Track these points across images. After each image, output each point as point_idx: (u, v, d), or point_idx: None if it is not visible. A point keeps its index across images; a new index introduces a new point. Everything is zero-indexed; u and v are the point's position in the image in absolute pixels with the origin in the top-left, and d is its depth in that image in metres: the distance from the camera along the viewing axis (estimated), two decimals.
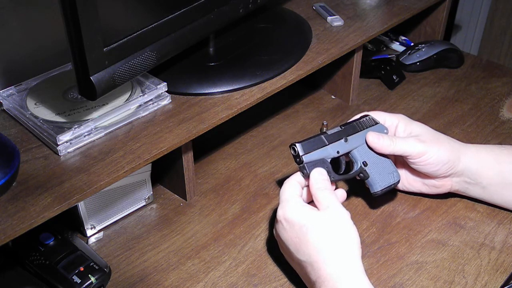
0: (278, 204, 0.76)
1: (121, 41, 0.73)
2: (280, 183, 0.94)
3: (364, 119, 0.85)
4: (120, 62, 0.74)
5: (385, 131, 0.85)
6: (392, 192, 0.90)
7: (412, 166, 0.84)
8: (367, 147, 0.83)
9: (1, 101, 0.82)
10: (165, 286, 0.79)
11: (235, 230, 0.87)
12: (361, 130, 0.84)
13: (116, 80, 0.75)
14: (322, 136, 0.81)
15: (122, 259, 0.82)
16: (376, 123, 0.85)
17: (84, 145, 0.77)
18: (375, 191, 0.83)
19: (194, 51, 0.95)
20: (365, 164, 0.83)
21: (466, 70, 1.22)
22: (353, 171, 0.83)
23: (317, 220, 0.71)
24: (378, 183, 0.83)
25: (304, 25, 1.05)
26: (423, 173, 0.85)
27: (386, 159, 0.84)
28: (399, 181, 0.85)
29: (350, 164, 0.85)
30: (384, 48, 1.29)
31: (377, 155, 0.83)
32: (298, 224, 0.71)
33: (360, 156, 0.83)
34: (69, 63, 0.88)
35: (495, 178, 0.83)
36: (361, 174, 0.83)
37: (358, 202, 0.90)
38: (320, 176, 0.77)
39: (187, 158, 0.87)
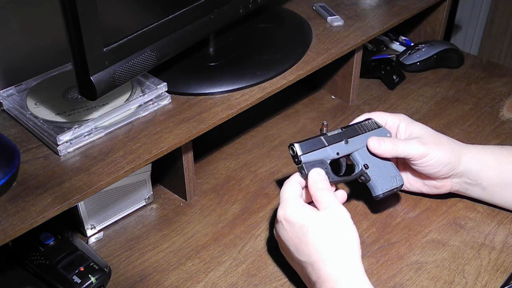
0: (278, 204, 0.76)
1: (121, 41, 0.73)
2: (280, 183, 0.94)
3: (367, 122, 0.85)
4: (120, 62, 0.74)
5: (388, 135, 0.85)
6: None
7: (413, 167, 0.84)
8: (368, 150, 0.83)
9: (1, 101, 0.82)
10: (165, 286, 0.79)
11: (235, 230, 0.87)
12: (362, 133, 0.83)
13: (116, 80, 0.75)
14: (322, 137, 0.81)
15: (122, 259, 0.82)
16: (379, 126, 0.85)
17: (84, 145, 0.77)
18: (377, 194, 0.83)
19: (194, 51, 0.95)
20: (366, 167, 0.82)
21: (466, 70, 1.22)
22: (354, 173, 0.83)
23: (317, 220, 0.71)
24: (379, 186, 0.83)
25: (304, 25, 1.05)
26: (423, 174, 0.85)
27: (389, 162, 0.84)
28: (402, 185, 0.85)
29: (351, 166, 0.85)
30: (384, 48, 1.29)
31: (379, 158, 0.83)
32: (298, 224, 0.71)
33: (361, 158, 0.83)
34: (69, 63, 0.88)
35: (495, 178, 0.83)
36: (362, 177, 0.83)
37: (358, 202, 0.90)
38: (318, 177, 0.77)
39: (187, 158, 0.87)
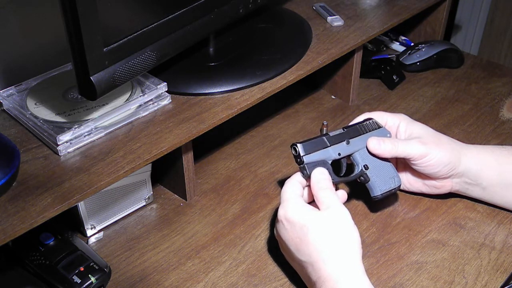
0: (278, 204, 0.76)
1: (121, 41, 0.73)
2: (280, 183, 0.94)
3: (367, 122, 0.85)
4: (120, 62, 0.74)
5: (388, 135, 0.85)
6: None
7: (413, 167, 0.84)
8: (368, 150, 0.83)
9: (1, 101, 0.82)
10: (165, 286, 0.79)
11: (235, 230, 0.87)
12: (363, 133, 0.83)
13: (116, 80, 0.75)
14: (324, 137, 0.81)
15: (122, 259, 0.82)
16: (379, 126, 0.85)
17: (84, 145, 0.77)
18: (375, 195, 0.83)
19: (194, 51, 0.95)
20: (366, 167, 0.83)
21: (466, 70, 1.22)
22: (354, 174, 0.83)
23: (318, 220, 0.71)
24: (378, 187, 0.83)
25: (304, 25, 1.05)
26: (423, 174, 0.85)
27: (388, 163, 0.84)
28: (399, 186, 0.85)
29: (351, 166, 0.85)
30: (384, 48, 1.29)
31: (379, 159, 0.83)
32: (299, 224, 0.71)
33: (361, 159, 0.83)
34: (69, 63, 0.88)
35: (495, 178, 0.83)
36: (362, 177, 0.83)
37: (358, 202, 0.90)
38: (321, 176, 0.77)
39: (187, 158, 0.87)
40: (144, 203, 0.91)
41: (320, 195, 0.74)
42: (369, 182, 0.83)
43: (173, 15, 0.80)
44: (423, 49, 1.20)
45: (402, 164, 0.88)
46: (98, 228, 0.86)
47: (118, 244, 0.85)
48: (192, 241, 0.85)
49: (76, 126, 0.77)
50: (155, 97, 0.85)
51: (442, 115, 1.09)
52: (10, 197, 0.69)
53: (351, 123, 0.85)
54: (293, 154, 0.79)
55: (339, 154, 0.81)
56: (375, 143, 0.82)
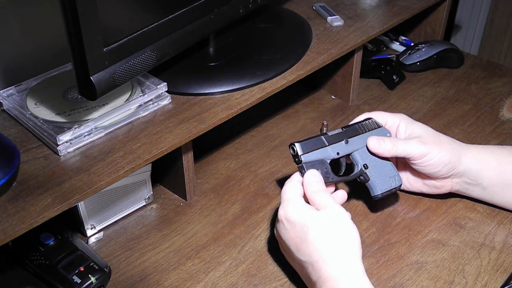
0: (278, 204, 0.76)
1: (121, 41, 0.73)
2: (280, 183, 0.94)
3: (367, 121, 0.85)
4: (120, 62, 0.74)
5: (388, 134, 0.85)
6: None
7: (413, 167, 0.84)
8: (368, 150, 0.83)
9: (1, 101, 0.82)
10: (165, 286, 0.79)
11: (235, 230, 0.87)
12: (363, 133, 0.83)
13: (116, 80, 0.75)
14: (322, 136, 0.81)
15: (122, 259, 0.82)
16: (379, 126, 0.85)
17: (84, 145, 0.77)
18: (375, 194, 0.83)
19: (194, 51, 0.95)
20: (365, 167, 0.82)
21: (466, 70, 1.22)
22: (353, 173, 0.83)
23: (318, 220, 0.71)
24: (378, 186, 0.83)
25: (304, 25, 1.05)
26: (423, 174, 0.85)
27: (388, 162, 0.84)
28: (400, 185, 0.85)
29: (351, 166, 0.85)
30: (384, 48, 1.29)
31: (379, 159, 0.83)
32: (299, 223, 0.71)
33: (361, 158, 0.83)
34: (69, 63, 0.88)
35: (495, 178, 0.83)
36: (362, 177, 0.83)
37: (358, 202, 0.90)
38: (313, 178, 0.76)
39: (187, 158, 0.87)
40: (144, 203, 0.91)
41: (314, 197, 0.74)
42: (369, 181, 0.83)
43: (173, 15, 0.80)
44: (423, 49, 1.20)
45: (402, 164, 0.88)
46: (98, 228, 0.86)
47: (118, 244, 0.85)
48: (192, 241, 0.85)
49: (76, 126, 0.77)
50: (155, 97, 0.85)
51: (442, 115, 1.09)
52: (10, 197, 0.69)
53: (350, 123, 0.85)
54: (291, 154, 0.79)
55: (338, 154, 0.81)
56: (375, 142, 0.82)
